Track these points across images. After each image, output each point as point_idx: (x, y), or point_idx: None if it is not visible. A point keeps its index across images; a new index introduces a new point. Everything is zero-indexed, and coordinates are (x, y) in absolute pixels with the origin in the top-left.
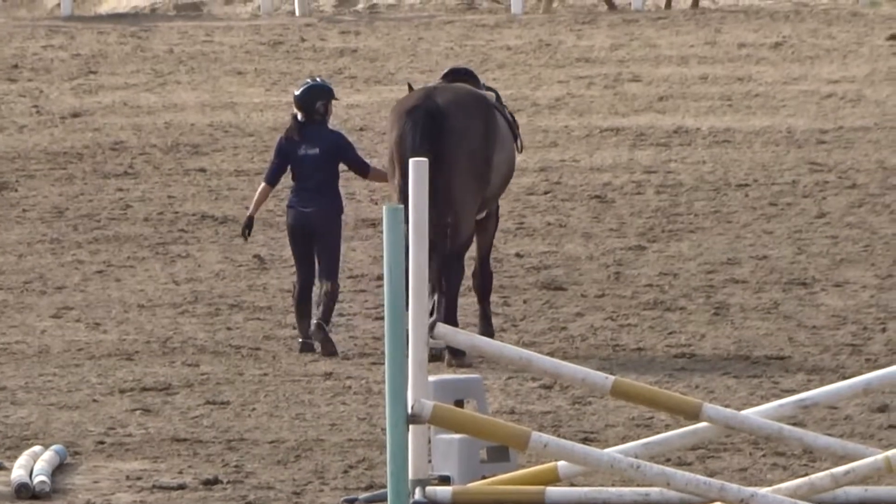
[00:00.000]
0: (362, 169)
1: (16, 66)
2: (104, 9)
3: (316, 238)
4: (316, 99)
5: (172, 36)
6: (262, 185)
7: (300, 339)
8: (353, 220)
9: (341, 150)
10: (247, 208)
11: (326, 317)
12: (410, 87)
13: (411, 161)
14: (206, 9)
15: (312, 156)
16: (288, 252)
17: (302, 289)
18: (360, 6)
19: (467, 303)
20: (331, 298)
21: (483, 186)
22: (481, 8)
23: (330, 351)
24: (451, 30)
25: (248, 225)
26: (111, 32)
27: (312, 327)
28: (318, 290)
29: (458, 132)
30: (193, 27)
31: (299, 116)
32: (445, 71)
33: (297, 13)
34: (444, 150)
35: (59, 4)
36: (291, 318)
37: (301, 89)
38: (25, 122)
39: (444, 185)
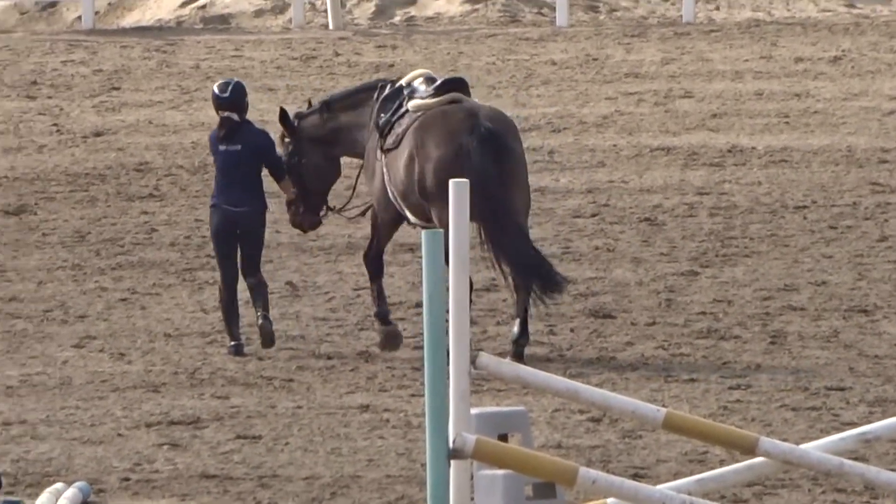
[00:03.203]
0: (279, 174)
1: (35, 83)
2: (127, 22)
3: (243, 237)
4: (244, 95)
5: (199, 50)
6: None
7: (232, 344)
8: (390, 244)
9: (265, 149)
10: (278, 231)
11: (268, 309)
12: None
13: (452, 182)
14: (234, 22)
15: (234, 152)
16: (323, 278)
17: (231, 290)
18: (396, 19)
19: (511, 331)
20: (265, 290)
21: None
22: (525, 20)
23: (270, 343)
24: (493, 43)
25: None
26: (135, 47)
27: (261, 321)
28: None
29: (517, 152)
30: (221, 41)
31: (235, 117)
32: (441, 81)
33: (330, 26)
34: (507, 170)
35: (79, 17)
36: (327, 348)
37: (230, 88)
38: (45, 141)
39: (507, 201)
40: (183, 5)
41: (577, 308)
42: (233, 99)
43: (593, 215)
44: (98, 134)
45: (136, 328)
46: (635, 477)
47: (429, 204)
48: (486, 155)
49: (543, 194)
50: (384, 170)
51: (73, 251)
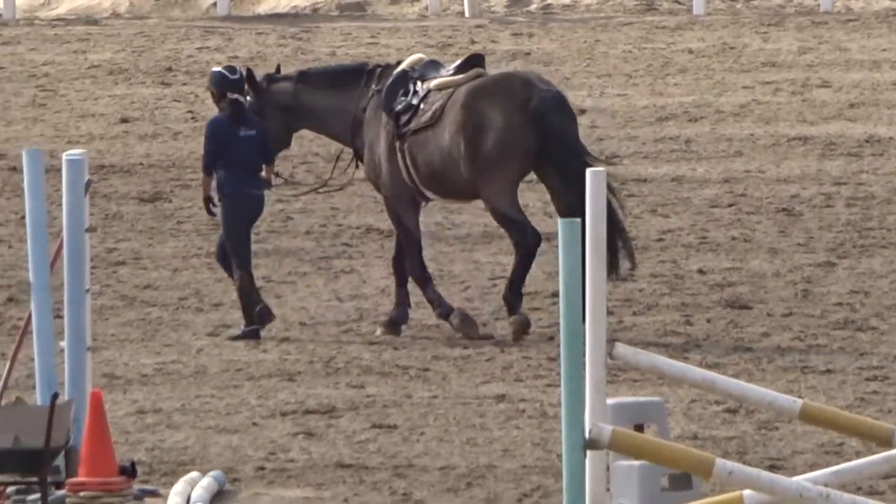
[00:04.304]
0: (271, 157)
1: (170, 70)
2: (263, 8)
3: (254, 221)
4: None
5: (335, 37)
6: (203, 176)
7: (253, 327)
8: None
9: (266, 135)
10: None
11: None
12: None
13: (589, 171)
14: (370, 9)
15: (251, 137)
16: (458, 267)
17: (252, 276)
18: (533, 6)
19: (647, 322)
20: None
21: None
22: (661, 8)
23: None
24: (629, 31)
25: (210, 201)
26: (270, 33)
27: (270, 315)
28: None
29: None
30: (357, 28)
31: (242, 99)
32: (464, 59)
33: (466, 14)
34: (574, 127)
35: (214, 4)
36: (463, 337)
37: (238, 73)
38: (180, 128)
39: (578, 168)
40: None
41: (714, 298)
42: (242, 82)
43: (730, 205)
44: None
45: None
46: (771, 468)
47: (486, 174)
48: (559, 116)
49: (680, 183)
50: (405, 153)
51: (208, 239)
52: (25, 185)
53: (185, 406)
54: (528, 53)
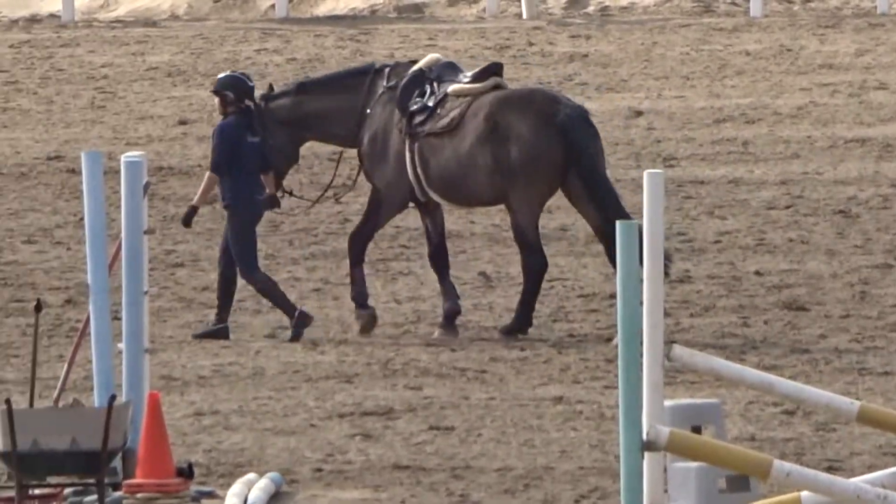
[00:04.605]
0: (271, 168)
1: None
2: (321, 10)
3: (255, 224)
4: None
5: (393, 39)
6: (210, 174)
7: (300, 310)
8: (583, 235)
9: (265, 144)
10: (472, 222)
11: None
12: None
13: (646, 173)
14: (428, 10)
15: (257, 144)
16: (515, 269)
17: (266, 275)
18: (591, 9)
19: (704, 323)
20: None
21: None
22: (719, 10)
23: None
24: (686, 33)
25: (192, 216)
26: (329, 35)
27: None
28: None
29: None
30: (415, 30)
31: (252, 105)
32: (482, 67)
33: (524, 16)
34: (600, 146)
35: (273, 6)
36: (520, 339)
37: (253, 81)
38: None
39: (605, 185)
40: None
41: (771, 300)
42: (254, 91)
43: (787, 207)
44: None
45: (328, 318)
46: (829, 470)
47: (515, 187)
48: (586, 132)
49: (737, 185)
50: (414, 153)
51: (266, 241)
52: (84, 187)
53: (243, 408)
54: (586, 55)
